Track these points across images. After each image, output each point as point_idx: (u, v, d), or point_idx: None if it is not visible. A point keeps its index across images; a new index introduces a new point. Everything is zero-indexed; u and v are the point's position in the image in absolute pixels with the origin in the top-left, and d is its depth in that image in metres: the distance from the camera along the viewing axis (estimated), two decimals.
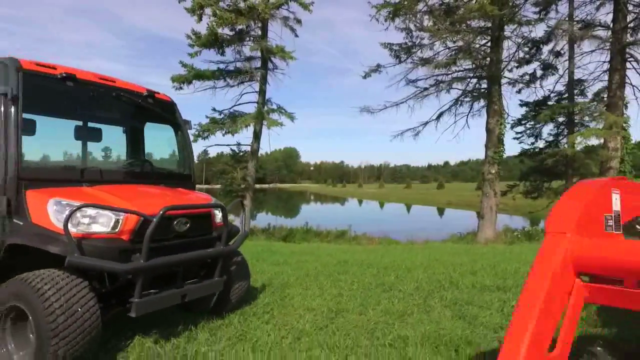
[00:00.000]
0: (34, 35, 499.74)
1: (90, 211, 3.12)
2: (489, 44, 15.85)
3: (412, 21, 15.82)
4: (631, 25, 14.52)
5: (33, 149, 3.78)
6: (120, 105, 4.39)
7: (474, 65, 16.64)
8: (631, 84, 15.27)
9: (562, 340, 1.43)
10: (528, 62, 17.18)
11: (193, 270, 3.95)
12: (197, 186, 5.03)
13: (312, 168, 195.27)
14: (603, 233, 1.65)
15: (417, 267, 7.22)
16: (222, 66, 17.52)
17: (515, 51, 16.78)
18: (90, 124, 4.71)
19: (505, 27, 15.46)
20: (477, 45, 16.14)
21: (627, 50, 14.49)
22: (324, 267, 7.16)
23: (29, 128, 3.58)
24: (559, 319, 1.42)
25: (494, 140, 15.51)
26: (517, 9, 15.13)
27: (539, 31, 30.40)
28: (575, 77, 17.04)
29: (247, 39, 17.27)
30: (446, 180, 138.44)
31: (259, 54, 17.29)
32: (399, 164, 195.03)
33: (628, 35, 14.48)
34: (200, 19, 16.29)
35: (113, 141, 5.01)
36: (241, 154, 18.41)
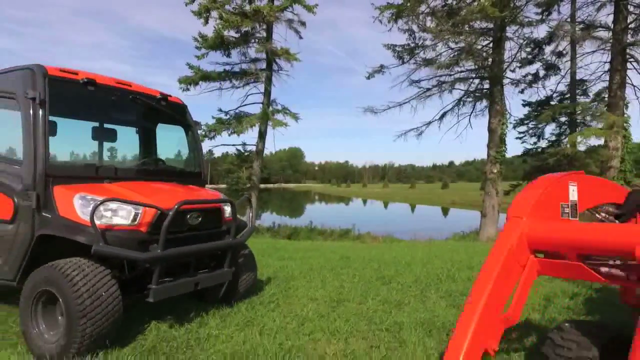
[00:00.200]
0: (42, 37, 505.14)
1: (113, 205, 3.43)
2: (491, 44, 16.04)
3: (415, 22, 16.03)
4: (631, 26, 14.65)
5: (56, 149, 4.09)
6: (136, 108, 4.70)
7: (476, 66, 16.83)
8: (632, 84, 15.43)
9: (515, 303, 1.72)
10: (530, 62, 17.36)
11: (204, 261, 4.25)
12: None
13: (316, 168, 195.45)
14: (559, 219, 1.93)
15: (417, 262, 7.48)
16: (228, 68, 17.93)
17: (517, 52, 16.95)
18: (106, 125, 5.03)
19: (507, 28, 15.64)
20: (479, 46, 16.30)
21: (628, 50, 14.64)
22: (327, 262, 7.44)
23: (52, 129, 3.88)
24: (513, 286, 1.70)
25: (496, 140, 15.70)
26: (518, 10, 15.30)
27: (540, 32, 30.48)
28: (578, 77, 17.16)
29: (253, 41, 17.64)
30: (451, 180, 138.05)
31: (264, 55, 17.65)
32: (403, 164, 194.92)
33: (628, 36, 14.62)
34: (206, 22, 16.69)
35: (128, 141, 5.33)
36: (246, 153, 18.78)
